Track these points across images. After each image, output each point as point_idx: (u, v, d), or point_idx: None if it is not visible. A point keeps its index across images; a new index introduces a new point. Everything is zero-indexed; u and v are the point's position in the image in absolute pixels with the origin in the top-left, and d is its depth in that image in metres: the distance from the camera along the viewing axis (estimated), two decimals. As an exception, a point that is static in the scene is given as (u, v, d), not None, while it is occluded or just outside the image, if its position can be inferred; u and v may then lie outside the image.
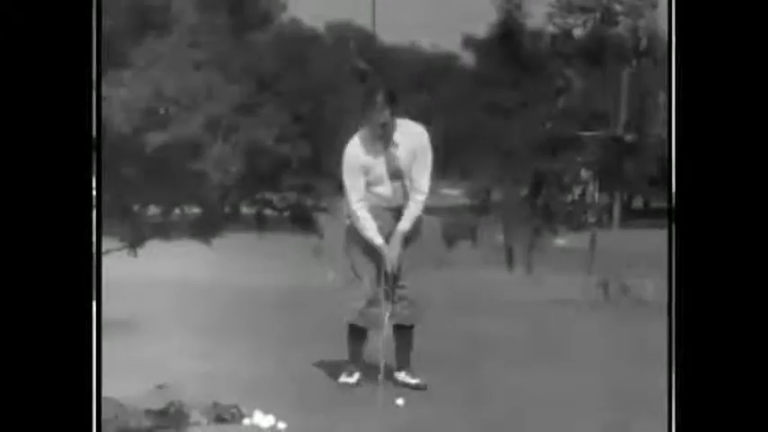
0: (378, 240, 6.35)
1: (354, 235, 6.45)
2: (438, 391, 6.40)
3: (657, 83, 11.94)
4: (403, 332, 6.53)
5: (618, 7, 12.35)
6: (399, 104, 6.39)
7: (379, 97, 6.28)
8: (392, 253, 6.36)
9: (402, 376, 6.51)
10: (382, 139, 6.32)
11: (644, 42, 12.14)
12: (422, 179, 6.40)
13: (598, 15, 12.41)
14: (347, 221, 6.51)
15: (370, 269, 6.44)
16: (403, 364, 6.54)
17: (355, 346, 6.56)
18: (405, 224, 6.40)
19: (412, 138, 6.38)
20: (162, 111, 8.27)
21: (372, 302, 6.47)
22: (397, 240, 6.38)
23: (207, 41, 8.84)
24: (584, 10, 12.54)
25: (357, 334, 6.54)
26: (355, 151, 6.36)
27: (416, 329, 6.61)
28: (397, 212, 6.41)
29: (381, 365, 6.26)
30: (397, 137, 6.33)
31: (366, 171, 6.34)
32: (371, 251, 6.40)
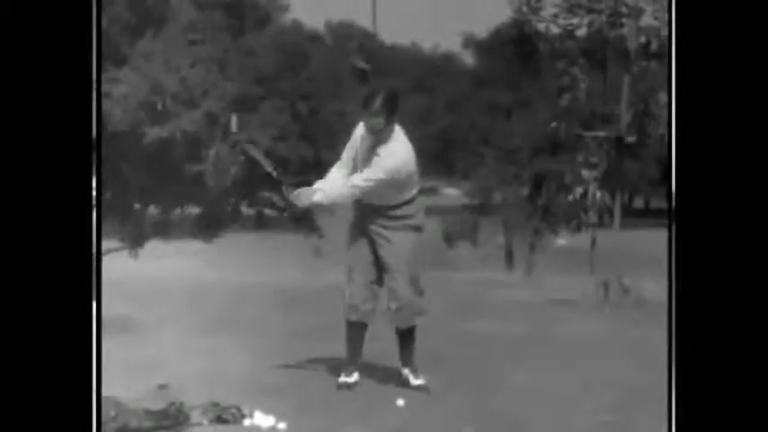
0: (317, 195, 6.35)
1: (347, 231, 6.52)
2: (438, 391, 6.40)
3: (663, 84, 11.95)
4: (403, 332, 6.54)
5: (625, 9, 12.36)
6: (399, 110, 6.39)
7: (377, 103, 6.27)
8: (299, 199, 6.37)
9: (405, 373, 6.52)
10: (374, 143, 6.35)
11: (654, 44, 12.14)
12: (367, 173, 6.32)
13: (604, 17, 12.42)
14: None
15: (361, 264, 6.46)
16: (406, 362, 6.54)
17: (353, 344, 6.55)
18: (319, 194, 6.39)
19: (390, 156, 6.36)
20: (159, 106, 8.26)
21: (367, 298, 6.49)
22: (307, 193, 6.37)
23: (206, 40, 8.83)
24: (590, 11, 12.55)
25: (355, 331, 6.54)
26: (359, 131, 6.43)
27: (417, 329, 6.61)
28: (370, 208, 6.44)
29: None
30: (382, 149, 6.31)
31: (356, 152, 6.38)
32: (360, 245, 6.45)
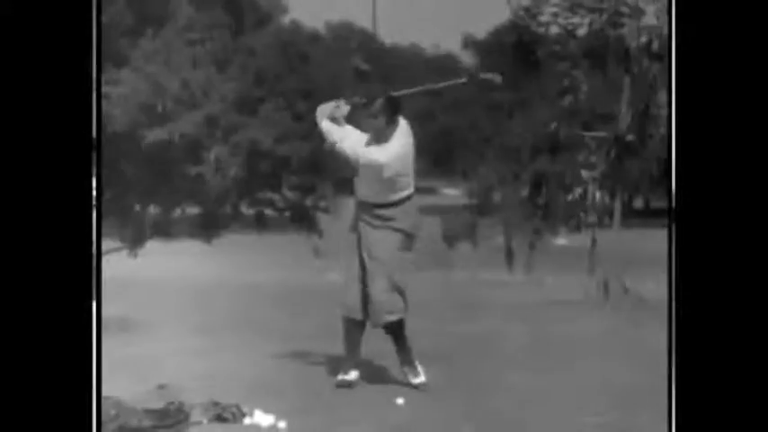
0: (325, 121, 6.48)
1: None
2: (438, 390, 6.40)
3: (663, 84, 11.94)
4: (388, 330, 6.54)
5: (626, 8, 12.35)
6: (400, 113, 6.41)
7: (378, 104, 6.31)
8: (318, 111, 6.52)
9: (405, 372, 6.53)
10: (375, 140, 6.39)
11: (655, 44, 12.13)
12: (356, 146, 6.41)
13: (605, 17, 12.41)
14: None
15: (350, 261, 6.49)
16: (403, 361, 6.55)
17: (350, 341, 6.56)
18: (326, 123, 6.49)
19: (381, 150, 6.41)
20: (160, 107, 8.27)
21: (357, 295, 6.51)
22: (324, 111, 6.52)
23: (206, 39, 8.84)
24: (591, 10, 12.54)
25: (351, 328, 6.55)
26: None
27: (416, 329, 6.62)
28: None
29: None
30: (381, 145, 6.36)
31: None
32: (351, 243, 6.50)
